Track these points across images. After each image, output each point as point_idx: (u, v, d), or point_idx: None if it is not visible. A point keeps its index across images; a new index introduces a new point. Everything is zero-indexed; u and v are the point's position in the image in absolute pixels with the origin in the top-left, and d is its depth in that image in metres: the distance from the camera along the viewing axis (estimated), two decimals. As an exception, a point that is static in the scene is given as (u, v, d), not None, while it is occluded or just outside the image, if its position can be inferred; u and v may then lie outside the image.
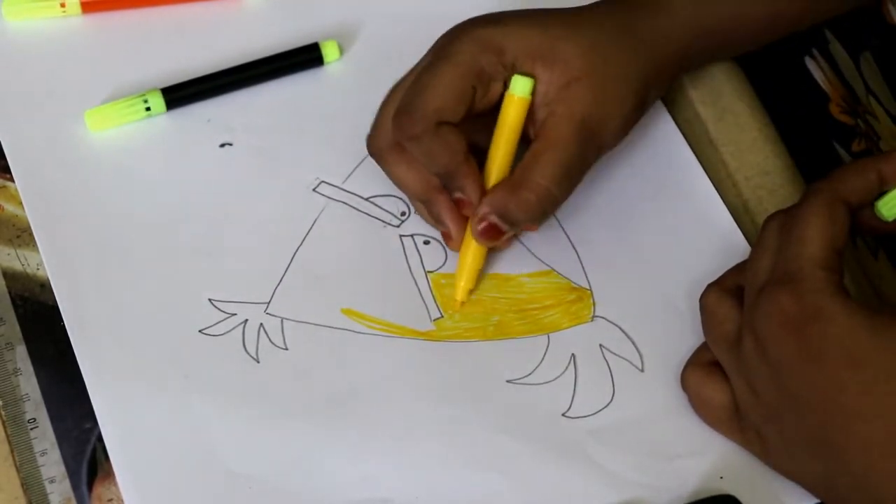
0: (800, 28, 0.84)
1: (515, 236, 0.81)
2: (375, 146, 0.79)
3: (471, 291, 0.79)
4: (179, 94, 0.85)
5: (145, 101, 0.84)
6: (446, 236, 0.80)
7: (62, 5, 0.88)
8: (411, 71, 0.79)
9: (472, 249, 0.79)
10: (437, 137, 0.75)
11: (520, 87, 0.76)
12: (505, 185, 0.76)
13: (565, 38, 0.77)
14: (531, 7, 0.80)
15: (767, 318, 0.69)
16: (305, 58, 0.87)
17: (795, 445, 0.71)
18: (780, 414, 0.70)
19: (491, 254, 0.81)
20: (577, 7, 0.80)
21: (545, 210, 0.77)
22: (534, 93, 0.77)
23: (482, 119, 0.78)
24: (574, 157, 0.76)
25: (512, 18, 0.78)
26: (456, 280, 0.79)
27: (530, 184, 0.76)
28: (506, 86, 0.77)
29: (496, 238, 0.77)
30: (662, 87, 0.81)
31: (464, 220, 0.78)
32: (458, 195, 0.77)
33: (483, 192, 0.77)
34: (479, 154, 0.78)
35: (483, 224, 0.77)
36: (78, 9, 0.88)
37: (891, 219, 0.72)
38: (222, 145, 0.84)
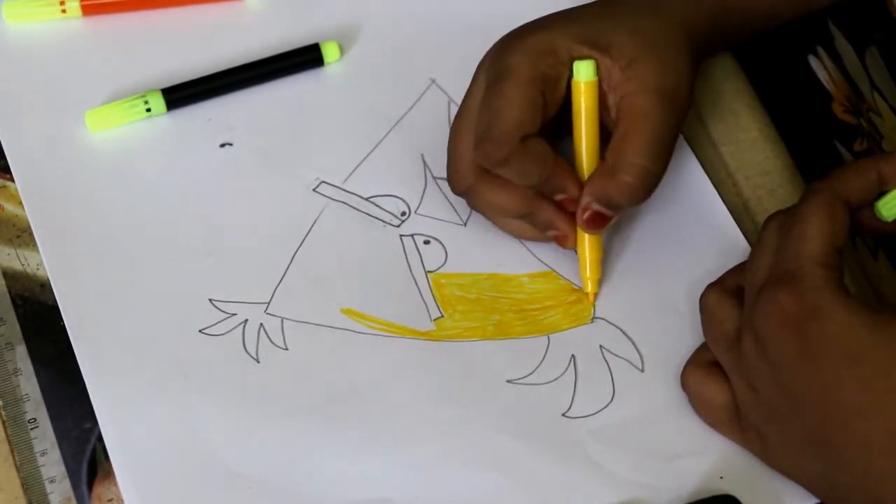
0: (811, 8, 0.85)
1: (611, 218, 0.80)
2: (462, 184, 0.79)
3: (598, 281, 0.80)
4: (180, 95, 0.85)
5: (146, 102, 0.84)
6: (562, 238, 0.79)
7: (63, 8, 0.88)
8: (466, 102, 0.79)
9: (588, 241, 0.79)
10: (526, 154, 0.75)
11: (584, 71, 0.76)
12: (601, 171, 0.76)
13: (610, 28, 0.77)
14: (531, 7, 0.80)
15: (767, 317, 0.69)
16: (306, 58, 0.87)
17: (795, 444, 0.71)
18: (779, 413, 0.70)
19: (491, 254, 0.81)
20: (600, 1, 0.80)
21: (647, 188, 0.76)
22: (599, 80, 0.77)
23: (554, 121, 0.78)
24: (661, 126, 0.76)
25: (549, 21, 0.78)
26: (582, 273, 0.79)
27: (625, 165, 0.75)
28: (569, 83, 0.77)
29: (603, 224, 0.77)
30: (701, 56, 0.81)
31: (572, 218, 0.78)
32: (559, 196, 0.77)
33: (581, 185, 0.77)
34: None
35: (588, 213, 0.77)
36: (78, 11, 0.88)
37: (890, 219, 0.72)
38: (222, 145, 0.84)
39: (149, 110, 0.84)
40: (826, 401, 0.68)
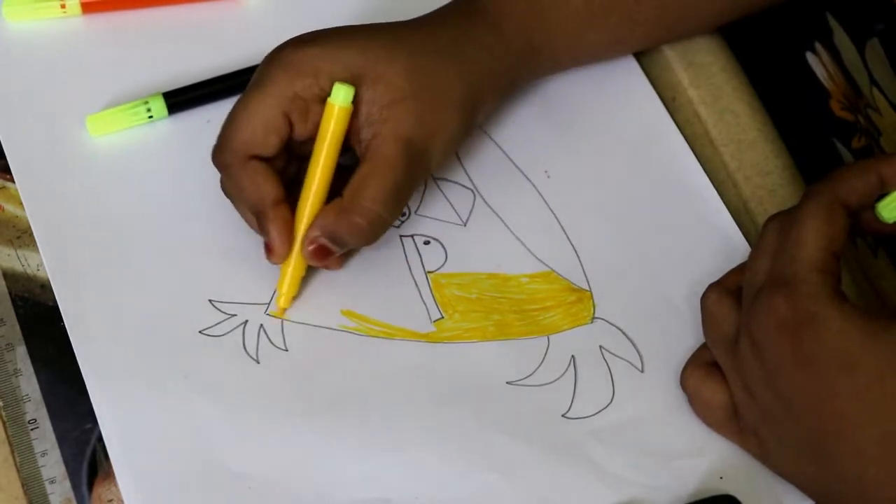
0: (647, 48, 0.86)
1: (348, 254, 0.80)
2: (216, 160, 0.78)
3: (293, 298, 0.79)
4: (181, 99, 0.85)
5: (147, 107, 0.84)
6: (268, 249, 0.77)
7: (62, 6, 0.88)
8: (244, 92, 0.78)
9: (294, 263, 0.78)
10: (244, 173, 0.75)
11: (341, 96, 0.75)
12: (334, 208, 0.76)
13: (386, 59, 0.76)
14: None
15: (763, 321, 0.69)
16: (305, 57, 0.87)
17: (790, 448, 0.71)
18: (774, 416, 0.70)
19: (491, 254, 0.81)
20: (401, 23, 0.80)
21: (375, 233, 0.76)
22: (357, 112, 0.76)
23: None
24: (401, 179, 0.76)
25: (329, 38, 0.77)
26: (279, 286, 0.78)
27: (359, 208, 0.75)
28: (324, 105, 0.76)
29: (327, 258, 0.77)
30: (493, 104, 0.81)
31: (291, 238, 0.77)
32: (264, 238, 0.77)
33: (289, 242, 0.76)
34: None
35: (313, 246, 0.76)
36: (78, 9, 0.88)
37: (891, 221, 0.72)
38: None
39: (150, 115, 0.84)
40: (819, 407, 0.68)
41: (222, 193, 0.79)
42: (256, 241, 0.80)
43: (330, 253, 0.77)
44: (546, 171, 0.84)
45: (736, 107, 0.86)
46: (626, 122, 0.86)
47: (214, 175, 0.82)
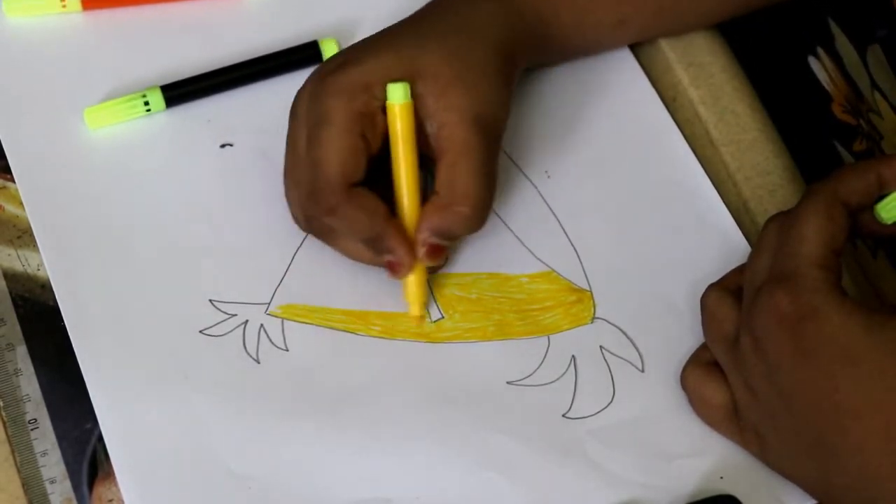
0: (650, 36, 0.86)
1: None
2: (312, 227, 0.78)
3: (424, 304, 0.79)
4: (179, 92, 0.85)
5: (145, 99, 0.84)
6: (397, 265, 0.77)
7: (63, 3, 0.88)
8: (292, 150, 0.77)
9: (418, 272, 0.78)
10: (352, 205, 0.75)
11: (398, 94, 0.76)
12: (436, 205, 0.76)
13: (420, 52, 0.77)
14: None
15: (764, 317, 0.69)
16: (304, 56, 0.87)
17: (792, 445, 0.71)
18: (776, 413, 0.71)
19: (491, 254, 0.81)
20: (410, 19, 0.80)
21: (482, 217, 0.77)
22: (417, 108, 0.76)
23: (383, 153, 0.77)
24: (485, 155, 0.76)
25: (357, 54, 0.77)
26: (410, 302, 0.78)
27: (459, 197, 0.75)
28: (385, 111, 0.76)
29: (442, 253, 0.78)
30: (520, 71, 0.81)
31: (412, 247, 0.77)
32: (388, 258, 0.77)
33: (412, 249, 0.76)
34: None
35: (427, 247, 0.77)
36: (78, 5, 0.88)
37: (890, 222, 0.72)
38: (223, 146, 0.84)
39: (148, 108, 0.84)
40: (821, 401, 0.68)
41: (222, 191, 0.79)
42: (257, 240, 0.80)
43: (443, 250, 0.78)
44: (546, 171, 0.84)
45: (736, 107, 0.86)
46: (626, 122, 0.86)
47: (215, 174, 0.83)
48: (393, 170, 0.77)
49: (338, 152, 0.75)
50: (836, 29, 0.82)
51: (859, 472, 0.68)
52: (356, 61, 0.77)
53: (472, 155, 0.76)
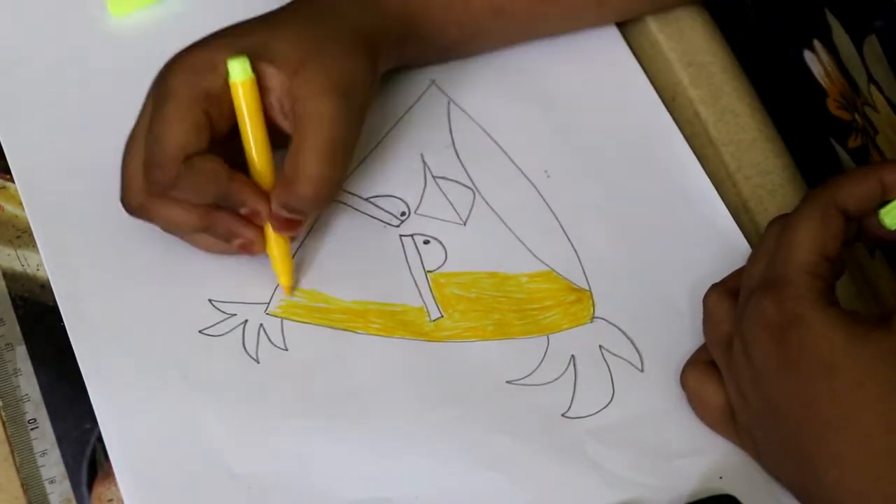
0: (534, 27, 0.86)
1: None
2: (135, 202, 0.77)
3: (291, 273, 0.79)
4: None
5: None
6: (248, 245, 0.78)
7: None
8: (137, 123, 0.77)
9: (275, 242, 0.78)
10: (193, 172, 0.74)
11: (238, 70, 0.75)
12: (282, 182, 0.75)
13: (272, 38, 0.76)
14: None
15: (752, 323, 0.69)
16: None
17: (780, 451, 0.71)
18: (764, 419, 0.70)
19: (491, 253, 0.81)
20: (272, 12, 0.79)
21: (324, 195, 0.76)
22: (269, 90, 0.75)
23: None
24: (336, 129, 0.75)
25: (215, 37, 0.77)
26: (275, 268, 0.78)
27: (301, 177, 0.75)
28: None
29: (298, 226, 0.77)
30: (388, 55, 0.80)
31: (253, 224, 0.77)
32: (243, 210, 0.76)
33: (263, 193, 0.76)
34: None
35: (278, 221, 0.76)
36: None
37: (893, 228, 0.71)
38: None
39: None
40: (802, 411, 0.68)
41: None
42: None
43: (297, 223, 0.77)
44: (546, 171, 0.84)
45: (736, 107, 0.86)
46: (626, 122, 0.86)
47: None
48: (244, 148, 0.76)
49: (177, 124, 0.74)
50: (832, 20, 0.81)
51: (835, 484, 0.67)
52: (206, 45, 0.76)
53: (322, 130, 0.75)
